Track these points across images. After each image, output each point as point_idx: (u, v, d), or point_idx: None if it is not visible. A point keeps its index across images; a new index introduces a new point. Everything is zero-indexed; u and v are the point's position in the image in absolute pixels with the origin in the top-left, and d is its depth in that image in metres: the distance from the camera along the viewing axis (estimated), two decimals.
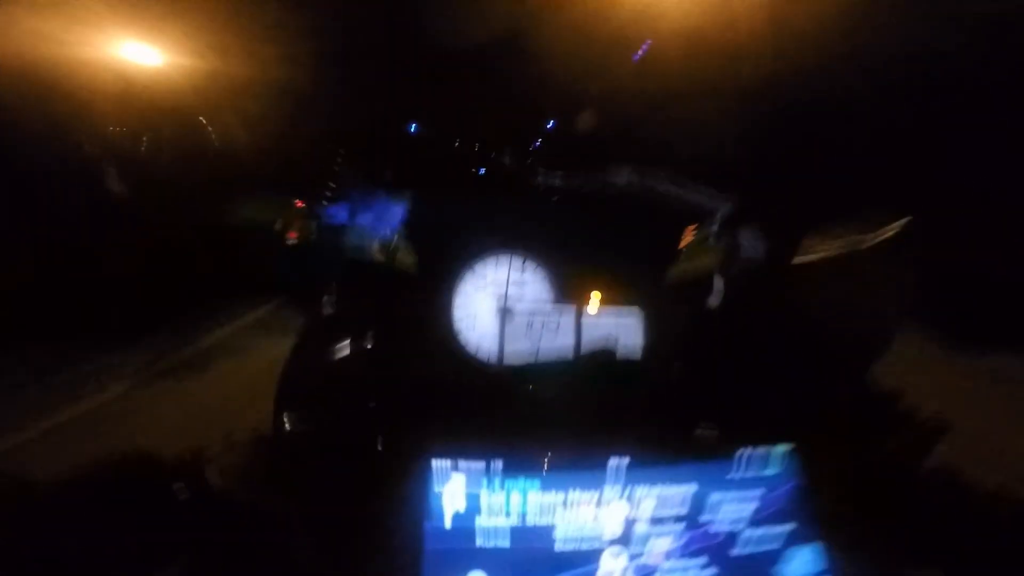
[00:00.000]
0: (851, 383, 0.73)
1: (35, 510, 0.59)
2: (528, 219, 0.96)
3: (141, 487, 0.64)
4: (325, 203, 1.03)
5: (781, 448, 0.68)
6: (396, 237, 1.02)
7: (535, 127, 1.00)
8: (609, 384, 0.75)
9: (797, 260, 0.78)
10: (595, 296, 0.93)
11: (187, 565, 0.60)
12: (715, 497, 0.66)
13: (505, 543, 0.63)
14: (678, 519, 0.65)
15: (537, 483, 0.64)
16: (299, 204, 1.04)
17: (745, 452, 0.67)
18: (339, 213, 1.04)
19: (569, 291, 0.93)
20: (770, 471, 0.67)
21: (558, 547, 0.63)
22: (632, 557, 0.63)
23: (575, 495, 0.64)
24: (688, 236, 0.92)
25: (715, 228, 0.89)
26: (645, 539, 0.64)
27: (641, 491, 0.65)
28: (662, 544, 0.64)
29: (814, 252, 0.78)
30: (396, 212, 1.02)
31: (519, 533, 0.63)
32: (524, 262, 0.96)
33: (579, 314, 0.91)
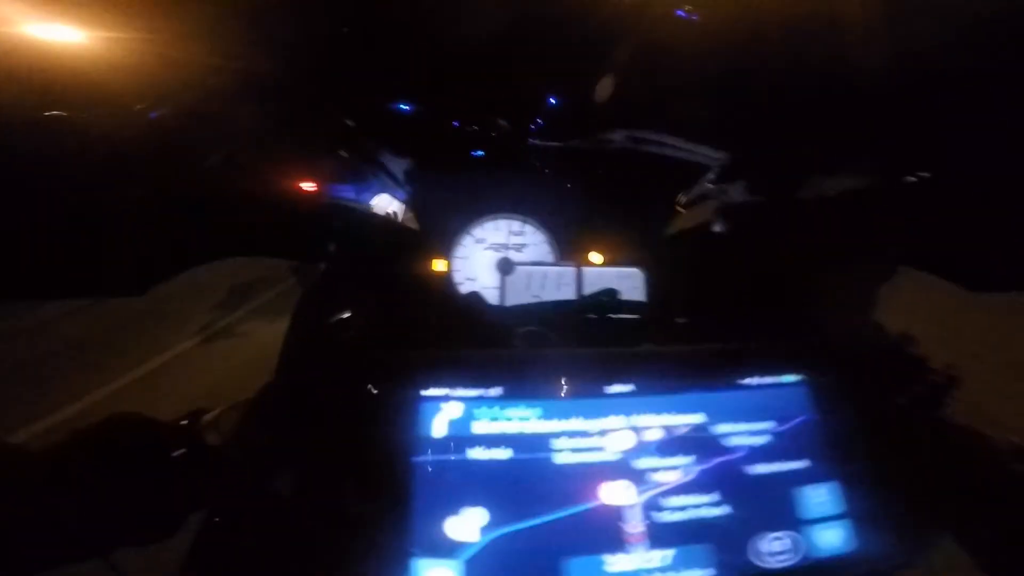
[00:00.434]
0: (858, 316, 0.71)
1: (32, 477, 0.57)
2: (525, 182, 0.97)
3: (142, 452, 0.62)
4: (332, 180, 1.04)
5: (791, 378, 0.65)
6: (395, 205, 1.03)
7: (536, 105, 1.02)
8: (613, 319, 0.73)
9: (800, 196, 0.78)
10: (595, 255, 0.93)
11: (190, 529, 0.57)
12: (724, 428, 0.63)
13: (503, 475, 0.59)
14: (685, 451, 0.62)
15: (538, 410, 0.61)
16: (309, 183, 1.05)
17: (754, 381, 0.64)
18: (343, 189, 1.06)
19: (568, 251, 0.93)
20: (781, 403, 0.65)
21: (559, 479, 0.59)
22: (639, 490, 0.60)
23: (577, 423, 0.61)
24: (685, 193, 0.93)
25: (711, 183, 0.89)
26: (651, 471, 0.60)
27: (646, 420, 0.62)
28: (669, 476, 0.60)
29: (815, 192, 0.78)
30: (395, 184, 1.04)
31: (518, 465, 0.59)
32: (523, 224, 0.96)
33: (579, 272, 0.91)
